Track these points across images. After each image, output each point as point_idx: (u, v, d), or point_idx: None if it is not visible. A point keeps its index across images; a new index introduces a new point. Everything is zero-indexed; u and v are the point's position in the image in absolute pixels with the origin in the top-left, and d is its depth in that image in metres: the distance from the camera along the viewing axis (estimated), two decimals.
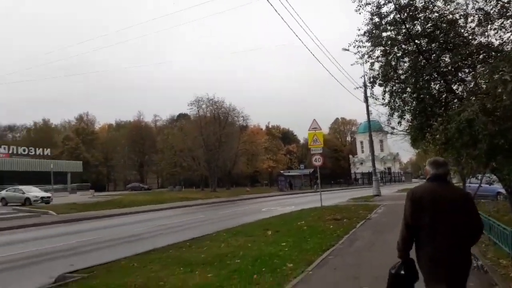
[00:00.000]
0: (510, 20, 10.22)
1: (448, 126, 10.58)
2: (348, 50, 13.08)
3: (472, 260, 3.31)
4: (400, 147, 28.95)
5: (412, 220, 3.26)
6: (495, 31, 10.65)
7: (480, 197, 19.44)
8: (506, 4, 10.21)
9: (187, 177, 67.59)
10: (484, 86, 10.76)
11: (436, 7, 11.67)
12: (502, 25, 10.41)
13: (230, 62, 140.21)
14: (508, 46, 10.39)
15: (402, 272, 3.35)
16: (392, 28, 12.26)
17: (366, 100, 29.18)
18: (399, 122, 12.85)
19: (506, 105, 10.19)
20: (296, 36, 30.34)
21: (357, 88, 13.09)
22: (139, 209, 25.43)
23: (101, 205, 27.43)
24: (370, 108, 30.06)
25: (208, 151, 52.48)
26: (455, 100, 11.42)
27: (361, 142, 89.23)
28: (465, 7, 11.30)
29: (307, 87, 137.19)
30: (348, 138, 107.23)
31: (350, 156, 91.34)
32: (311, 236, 10.90)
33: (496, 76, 10.31)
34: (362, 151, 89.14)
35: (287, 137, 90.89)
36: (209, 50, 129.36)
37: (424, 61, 11.90)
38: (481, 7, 10.78)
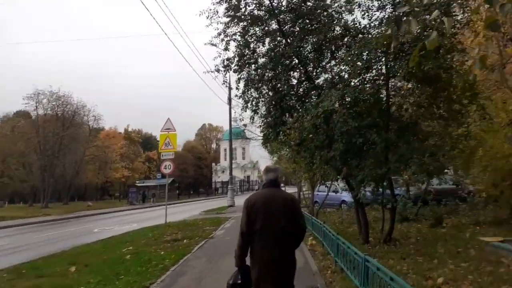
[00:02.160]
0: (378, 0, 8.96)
1: (305, 122, 8.82)
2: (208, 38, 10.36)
3: (296, 260, 3.54)
4: (260, 155, 27.86)
5: (246, 227, 3.42)
6: (362, 11, 9.28)
7: (327, 206, 19.15)
8: None
9: (19, 189, 55.17)
10: (346, 75, 9.55)
11: None
12: (372, 1, 9.07)
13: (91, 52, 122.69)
14: (374, 30, 9.06)
15: (239, 281, 3.44)
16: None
17: (229, 101, 27.39)
18: (252, 118, 10.65)
19: (367, 99, 9.08)
20: (160, 27, 26.63)
21: (208, 72, 9.97)
22: None
23: None
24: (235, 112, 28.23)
25: (44, 156, 43.48)
26: (314, 91, 9.80)
27: (225, 150, 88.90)
28: None
29: (178, 88, 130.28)
30: (214, 145, 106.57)
31: (213, 164, 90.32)
32: (128, 270, 8.07)
33: (360, 63, 9.14)
34: (225, 159, 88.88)
35: (148, 142, 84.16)
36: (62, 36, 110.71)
37: (286, 42, 10.03)
38: None
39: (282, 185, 4.51)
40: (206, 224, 16.59)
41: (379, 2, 9.07)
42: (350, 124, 8.11)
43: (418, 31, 7.00)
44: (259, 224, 3.36)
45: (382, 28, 8.60)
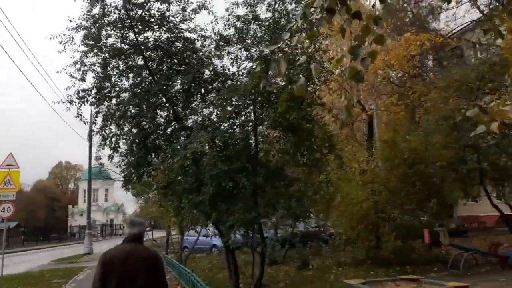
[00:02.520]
0: (246, 51, 9.24)
1: (174, 163, 8.25)
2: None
3: None
4: (125, 198, 25.67)
5: (100, 284, 3.15)
6: (231, 59, 9.45)
7: (197, 251, 18.49)
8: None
9: None
10: (215, 118, 9.42)
11: (171, 23, 9.68)
12: (241, 51, 9.29)
13: None
14: (243, 77, 9.25)
15: None
16: (116, 31, 9.36)
17: (90, 138, 24.78)
18: (111, 156, 9.59)
19: (237, 143, 9.08)
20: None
21: (57, 102, 8.59)
22: None
23: None
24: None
25: None
26: (183, 132, 9.37)
27: (84, 191, 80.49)
28: (204, 29, 9.79)
29: (31, 121, 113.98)
30: (71, 186, 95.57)
31: (69, 206, 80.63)
32: None
33: (229, 108, 9.17)
34: (84, 201, 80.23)
35: None
36: None
37: (152, 79, 9.47)
38: (220, 31, 9.44)
39: (148, 229, 3.93)
40: (55, 275, 14.42)
41: (247, 53, 9.41)
42: (220, 168, 7.90)
43: (287, 72, 7.32)
44: (114, 283, 3.09)
45: (249, 76, 8.87)
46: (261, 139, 9.37)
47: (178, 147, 8.52)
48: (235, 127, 8.99)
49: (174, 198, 9.15)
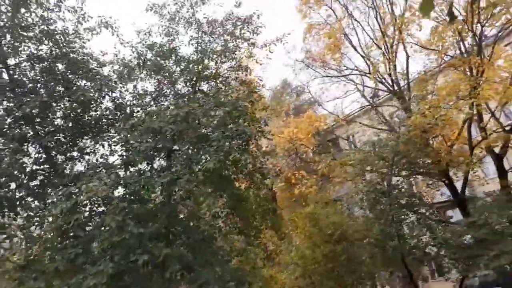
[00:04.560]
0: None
1: (48, 222, 4.99)
2: None
3: None
4: None
5: None
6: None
7: None
8: None
9: None
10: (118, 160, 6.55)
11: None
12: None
13: None
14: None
15: None
16: None
17: None
18: None
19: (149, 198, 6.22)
20: None
21: None
22: None
23: None
24: None
25: None
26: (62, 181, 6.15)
27: None
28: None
29: None
30: None
31: None
32: None
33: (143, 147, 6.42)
34: None
35: None
36: None
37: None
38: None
39: None
40: None
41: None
42: (131, 231, 4.95)
43: None
44: None
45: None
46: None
47: (55, 199, 5.36)
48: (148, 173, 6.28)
49: (37, 285, 5.50)
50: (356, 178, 13.53)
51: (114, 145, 6.65)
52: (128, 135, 6.15)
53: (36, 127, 6.72)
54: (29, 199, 6.08)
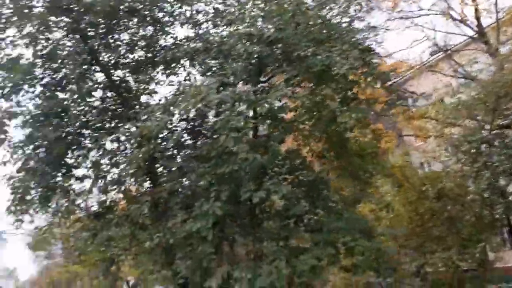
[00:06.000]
0: None
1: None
2: None
3: None
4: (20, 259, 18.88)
5: None
6: None
7: None
8: None
9: None
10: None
11: None
12: None
13: None
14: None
15: None
16: None
17: None
18: None
19: None
20: None
21: None
22: None
23: None
24: None
25: None
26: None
27: None
28: None
29: None
30: None
31: None
32: None
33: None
34: None
35: None
36: None
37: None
38: None
39: None
40: None
41: None
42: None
43: None
44: None
45: None
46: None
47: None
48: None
49: (121, 233, 4.39)
50: (441, 131, 11.88)
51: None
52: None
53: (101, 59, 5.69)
54: (100, 134, 5.01)
